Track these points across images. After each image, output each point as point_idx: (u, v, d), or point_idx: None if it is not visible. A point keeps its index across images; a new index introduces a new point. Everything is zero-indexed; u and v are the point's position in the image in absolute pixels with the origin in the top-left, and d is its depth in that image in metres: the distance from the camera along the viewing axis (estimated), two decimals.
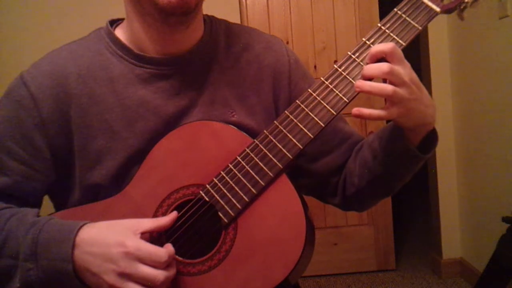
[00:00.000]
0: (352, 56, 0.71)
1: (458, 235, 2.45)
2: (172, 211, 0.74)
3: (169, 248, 0.69)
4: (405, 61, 0.67)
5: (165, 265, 0.67)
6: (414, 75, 0.68)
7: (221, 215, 0.73)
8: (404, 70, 0.66)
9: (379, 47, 0.66)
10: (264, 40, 0.89)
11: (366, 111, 0.66)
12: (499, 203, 2.02)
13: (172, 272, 0.69)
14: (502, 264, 1.53)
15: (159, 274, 0.66)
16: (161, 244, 0.71)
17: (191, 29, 0.81)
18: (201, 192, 0.74)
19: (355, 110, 0.66)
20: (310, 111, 0.72)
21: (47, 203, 0.84)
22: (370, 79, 0.67)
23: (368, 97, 2.50)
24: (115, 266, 0.66)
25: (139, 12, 0.77)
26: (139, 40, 0.80)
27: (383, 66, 0.65)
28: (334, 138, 0.86)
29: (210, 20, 0.86)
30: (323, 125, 0.71)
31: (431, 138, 0.75)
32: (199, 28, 0.83)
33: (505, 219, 1.56)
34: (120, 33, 0.83)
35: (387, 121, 0.73)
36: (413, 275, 2.53)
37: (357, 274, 2.56)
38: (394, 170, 0.78)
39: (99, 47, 0.81)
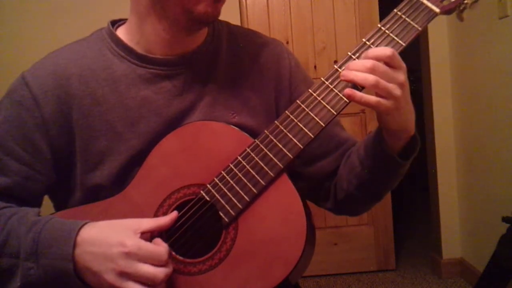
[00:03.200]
0: (352, 56, 0.71)
1: (458, 235, 2.45)
2: (172, 211, 0.74)
3: (163, 244, 0.70)
4: (402, 64, 0.68)
5: (165, 263, 0.68)
6: (406, 81, 0.69)
7: (221, 214, 0.73)
8: (399, 72, 0.68)
9: (376, 52, 0.67)
10: (265, 42, 0.89)
11: (358, 93, 0.67)
12: (499, 203, 2.03)
13: (170, 270, 0.69)
14: (502, 264, 1.53)
15: (159, 272, 0.66)
16: None
17: (199, 32, 0.82)
18: (202, 191, 0.74)
19: (348, 90, 0.68)
20: (311, 111, 0.72)
21: (47, 203, 0.84)
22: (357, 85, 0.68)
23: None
24: (115, 265, 0.66)
25: (158, 15, 0.77)
26: (147, 41, 0.80)
27: (368, 63, 0.66)
28: (329, 143, 0.87)
29: (213, 22, 0.87)
30: (323, 125, 0.71)
31: (413, 145, 0.76)
32: (204, 30, 0.84)
33: (505, 219, 1.56)
34: (122, 33, 0.83)
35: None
36: (413, 275, 2.53)
37: (357, 274, 2.56)
38: (378, 176, 0.79)
39: (100, 48, 0.82)
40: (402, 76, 0.68)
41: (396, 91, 0.67)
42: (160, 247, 0.68)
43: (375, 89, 0.67)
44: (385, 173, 0.79)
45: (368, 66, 0.67)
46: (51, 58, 0.81)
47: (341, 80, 0.70)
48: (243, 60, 0.86)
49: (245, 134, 0.76)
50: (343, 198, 0.85)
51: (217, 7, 0.76)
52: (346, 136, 0.89)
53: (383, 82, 0.66)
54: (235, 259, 0.71)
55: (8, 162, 0.77)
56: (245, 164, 0.73)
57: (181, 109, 0.80)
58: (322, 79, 0.72)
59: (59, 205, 0.85)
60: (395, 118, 0.71)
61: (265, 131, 0.74)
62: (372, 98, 0.68)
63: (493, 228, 1.86)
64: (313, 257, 0.75)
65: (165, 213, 0.75)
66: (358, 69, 0.67)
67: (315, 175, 0.88)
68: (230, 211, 0.72)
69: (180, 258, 0.73)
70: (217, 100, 0.82)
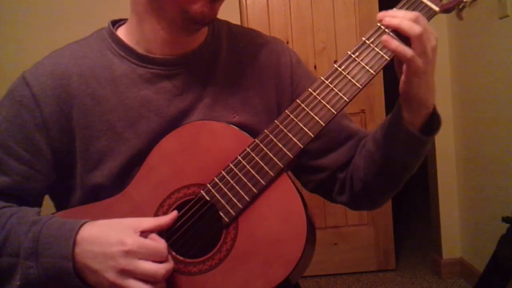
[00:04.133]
0: (352, 55, 0.71)
1: (458, 235, 2.45)
2: (173, 210, 0.74)
3: (160, 239, 0.70)
4: (433, 31, 0.69)
5: (166, 259, 0.68)
6: (437, 47, 0.69)
7: (222, 214, 0.73)
8: (432, 36, 0.68)
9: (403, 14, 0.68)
10: (265, 41, 0.89)
11: (395, 41, 0.68)
12: (499, 203, 2.03)
13: (171, 265, 0.69)
14: (502, 264, 1.54)
15: (159, 269, 0.67)
16: None
17: (199, 32, 0.82)
18: (202, 191, 0.74)
19: (386, 36, 0.68)
20: (311, 111, 0.72)
21: (47, 203, 0.84)
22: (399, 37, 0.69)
23: (368, 96, 2.50)
24: (116, 263, 0.66)
25: (156, 15, 0.77)
26: (146, 41, 0.80)
27: (410, 14, 0.67)
28: (339, 135, 0.87)
29: (212, 21, 0.87)
30: (323, 124, 0.71)
31: (433, 122, 0.75)
32: (204, 30, 0.84)
33: (505, 219, 1.56)
34: (122, 33, 0.83)
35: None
36: (413, 275, 2.53)
37: (357, 274, 2.57)
38: (398, 157, 0.78)
39: (101, 47, 0.82)
40: (434, 40, 0.68)
41: (430, 52, 0.67)
42: (160, 244, 0.68)
43: (417, 41, 0.66)
44: (405, 153, 0.77)
45: (412, 16, 0.67)
46: (51, 58, 0.81)
47: (381, 26, 0.70)
48: (243, 59, 0.86)
49: (245, 133, 0.76)
50: (360, 189, 0.84)
51: (213, 7, 0.75)
52: (356, 128, 0.89)
53: (425, 36, 0.66)
54: (235, 259, 0.71)
55: (8, 161, 0.77)
56: (245, 163, 0.73)
57: (181, 109, 0.80)
58: (322, 78, 0.72)
59: (60, 205, 0.85)
60: (420, 84, 0.70)
61: (265, 131, 0.74)
62: (408, 50, 0.67)
63: (493, 228, 1.86)
64: (313, 257, 0.75)
65: (165, 213, 0.75)
66: (405, 29, 0.67)
67: (328, 166, 0.87)
68: (230, 211, 0.72)
69: (180, 258, 0.73)
70: (217, 99, 0.82)
